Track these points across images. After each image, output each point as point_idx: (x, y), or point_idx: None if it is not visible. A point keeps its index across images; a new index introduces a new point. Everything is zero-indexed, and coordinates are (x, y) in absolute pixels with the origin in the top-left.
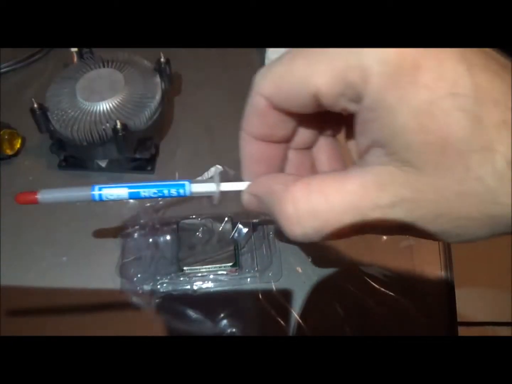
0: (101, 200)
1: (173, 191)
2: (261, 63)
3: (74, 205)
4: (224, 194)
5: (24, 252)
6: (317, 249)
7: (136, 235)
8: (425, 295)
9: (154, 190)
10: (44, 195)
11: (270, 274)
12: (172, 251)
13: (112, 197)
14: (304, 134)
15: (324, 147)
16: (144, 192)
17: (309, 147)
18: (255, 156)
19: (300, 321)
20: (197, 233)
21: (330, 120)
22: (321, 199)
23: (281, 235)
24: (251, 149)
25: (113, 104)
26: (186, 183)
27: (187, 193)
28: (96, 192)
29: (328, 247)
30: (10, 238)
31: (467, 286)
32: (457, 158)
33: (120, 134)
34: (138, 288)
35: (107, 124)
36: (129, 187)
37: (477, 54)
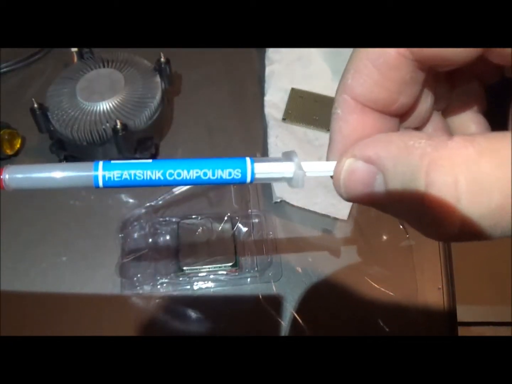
0: (108, 186)
1: (225, 174)
2: (261, 63)
3: (73, 204)
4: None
5: (24, 252)
6: (316, 249)
7: (136, 235)
8: (425, 295)
9: (196, 171)
10: (15, 174)
11: (270, 274)
12: (172, 251)
13: (127, 179)
14: (422, 107)
15: (433, 126)
16: (181, 172)
17: (419, 127)
18: (359, 132)
19: (300, 321)
20: (197, 233)
21: (441, 91)
22: (502, 164)
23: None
24: (355, 121)
25: (113, 104)
26: (248, 161)
27: (248, 178)
28: (100, 173)
29: (328, 247)
30: (10, 238)
31: (467, 286)
32: None
33: (120, 134)
34: (138, 288)
35: (107, 124)
36: (154, 165)
37: None
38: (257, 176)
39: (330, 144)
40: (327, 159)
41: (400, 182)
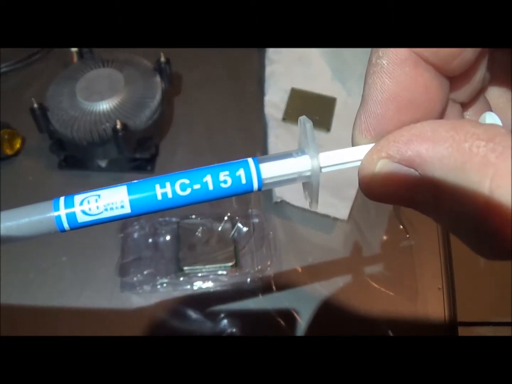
0: (77, 227)
1: (222, 182)
2: (261, 63)
3: None
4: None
5: (24, 253)
6: (317, 249)
7: (136, 235)
8: (425, 294)
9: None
10: None
11: (270, 274)
12: (172, 251)
13: (95, 217)
14: (476, 75)
15: (479, 107)
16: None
17: (467, 104)
18: (407, 92)
19: (300, 321)
20: (197, 233)
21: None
22: None
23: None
24: (405, 76)
25: (113, 104)
26: (250, 162)
27: (254, 185)
28: (63, 212)
29: (328, 247)
30: None
31: (467, 286)
32: None
33: (120, 134)
34: (138, 288)
35: (107, 124)
36: (129, 188)
37: None
38: (266, 181)
39: (363, 106)
40: (356, 125)
41: (451, 193)
